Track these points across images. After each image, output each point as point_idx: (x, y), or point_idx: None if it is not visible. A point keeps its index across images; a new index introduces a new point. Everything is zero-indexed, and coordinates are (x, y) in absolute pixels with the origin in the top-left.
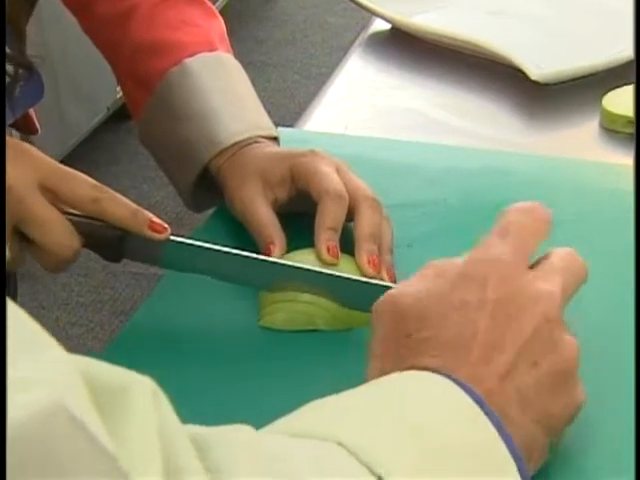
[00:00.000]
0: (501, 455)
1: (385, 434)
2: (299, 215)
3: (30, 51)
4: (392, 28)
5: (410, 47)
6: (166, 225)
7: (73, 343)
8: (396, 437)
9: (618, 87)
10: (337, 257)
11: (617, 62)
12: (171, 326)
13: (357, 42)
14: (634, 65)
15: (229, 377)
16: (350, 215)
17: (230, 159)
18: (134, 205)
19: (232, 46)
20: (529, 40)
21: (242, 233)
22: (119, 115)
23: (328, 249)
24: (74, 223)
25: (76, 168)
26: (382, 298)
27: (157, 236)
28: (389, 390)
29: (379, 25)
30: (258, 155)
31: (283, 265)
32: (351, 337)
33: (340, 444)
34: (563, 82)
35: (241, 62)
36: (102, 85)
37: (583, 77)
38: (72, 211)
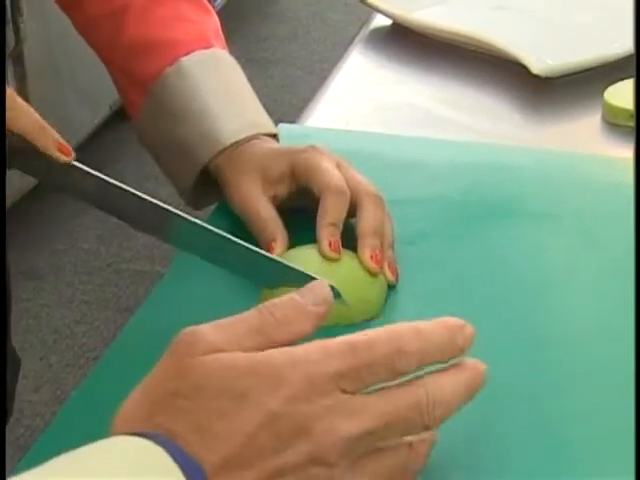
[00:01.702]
0: None
1: None
2: (300, 211)
3: (35, 47)
4: (393, 24)
5: (411, 42)
6: (71, 148)
7: (78, 341)
8: None
9: (620, 80)
10: (339, 252)
11: (619, 55)
12: (173, 324)
13: (358, 38)
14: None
15: None
16: (352, 211)
17: (229, 157)
18: (43, 121)
19: (234, 43)
20: (531, 34)
21: (243, 230)
22: (122, 114)
23: (330, 244)
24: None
25: None
26: (182, 337)
27: (63, 157)
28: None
29: (380, 21)
30: (257, 152)
31: (278, 263)
32: (350, 333)
33: None
34: (565, 76)
35: (243, 59)
36: (104, 84)
37: (585, 71)
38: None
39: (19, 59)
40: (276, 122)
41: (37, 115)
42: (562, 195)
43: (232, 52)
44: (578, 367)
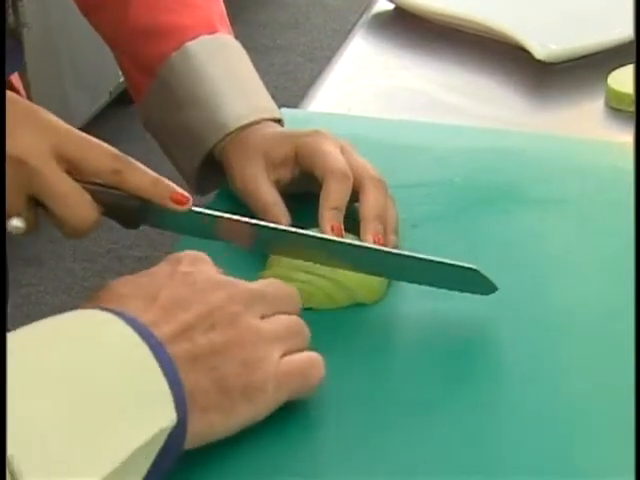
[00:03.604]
0: (161, 399)
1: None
2: (303, 195)
3: (34, 32)
4: (395, 8)
5: (413, 27)
6: (187, 195)
7: None
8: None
9: (624, 66)
10: (341, 236)
11: (622, 40)
12: None
13: (360, 23)
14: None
15: None
16: (355, 195)
17: (234, 141)
18: (155, 174)
19: (235, 30)
20: (534, 19)
21: (245, 214)
22: (122, 100)
23: (332, 228)
24: (92, 192)
25: None
26: None
27: (179, 207)
28: (53, 328)
29: (382, 5)
30: (261, 136)
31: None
32: (346, 316)
33: None
34: (568, 61)
35: (244, 46)
36: (104, 70)
37: (588, 56)
38: (89, 179)
39: (19, 44)
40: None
41: (147, 169)
42: (565, 180)
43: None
44: (579, 354)
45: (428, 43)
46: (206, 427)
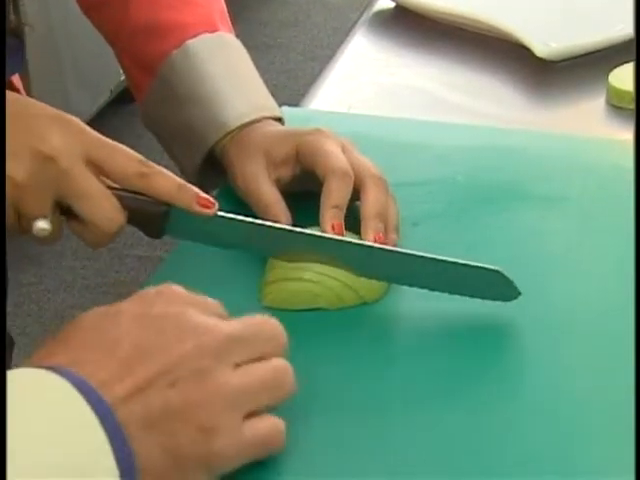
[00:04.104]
0: (104, 460)
1: None
2: (304, 194)
3: (35, 30)
4: (396, 6)
5: (414, 25)
6: (213, 200)
7: None
8: None
9: (625, 63)
10: (342, 235)
11: (623, 38)
12: None
13: (361, 20)
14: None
15: None
16: (356, 194)
17: (234, 139)
18: (179, 179)
19: (236, 28)
20: (535, 17)
21: (246, 213)
22: (122, 98)
23: (333, 227)
24: (118, 197)
25: None
26: None
27: (206, 211)
28: None
29: (383, 3)
30: (262, 134)
31: (309, 234)
32: (354, 316)
33: None
34: (569, 59)
35: (245, 44)
36: (105, 68)
37: (589, 53)
38: (115, 185)
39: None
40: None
41: (173, 175)
42: (566, 178)
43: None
44: (581, 352)
45: (429, 41)
46: None
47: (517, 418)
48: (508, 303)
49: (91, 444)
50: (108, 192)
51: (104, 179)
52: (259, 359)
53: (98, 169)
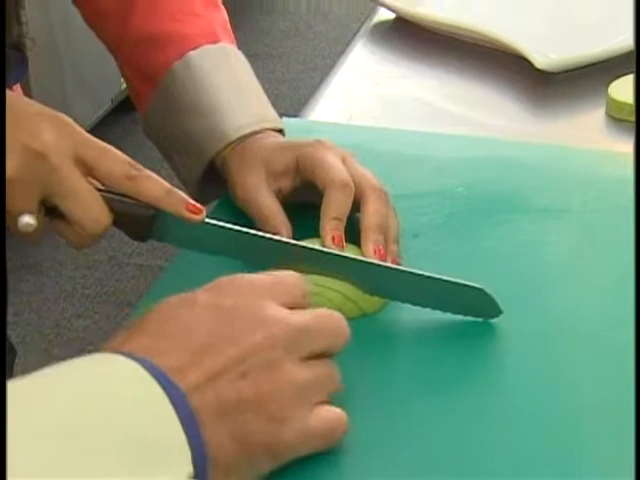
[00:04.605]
0: (177, 446)
1: (27, 436)
2: (304, 205)
3: (37, 41)
4: (396, 17)
5: (414, 36)
6: (201, 206)
7: (79, 334)
8: (39, 439)
9: (624, 75)
10: (342, 247)
11: (623, 50)
12: None
13: (361, 32)
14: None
15: None
16: (356, 205)
17: (235, 150)
18: (168, 184)
19: (236, 37)
20: (535, 28)
21: (246, 224)
22: (123, 107)
23: (333, 239)
24: (105, 199)
25: None
26: None
27: (194, 217)
28: (68, 375)
29: (383, 15)
30: (263, 145)
31: (307, 248)
32: (354, 327)
33: None
34: (569, 70)
35: (245, 53)
36: (107, 77)
37: (589, 65)
38: (102, 187)
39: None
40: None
41: (161, 180)
42: (566, 190)
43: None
44: (581, 363)
45: (429, 52)
46: None
47: (517, 423)
48: (509, 315)
49: (165, 427)
50: (96, 193)
51: (92, 180)
52: (323, 353)
53: (87, 169)
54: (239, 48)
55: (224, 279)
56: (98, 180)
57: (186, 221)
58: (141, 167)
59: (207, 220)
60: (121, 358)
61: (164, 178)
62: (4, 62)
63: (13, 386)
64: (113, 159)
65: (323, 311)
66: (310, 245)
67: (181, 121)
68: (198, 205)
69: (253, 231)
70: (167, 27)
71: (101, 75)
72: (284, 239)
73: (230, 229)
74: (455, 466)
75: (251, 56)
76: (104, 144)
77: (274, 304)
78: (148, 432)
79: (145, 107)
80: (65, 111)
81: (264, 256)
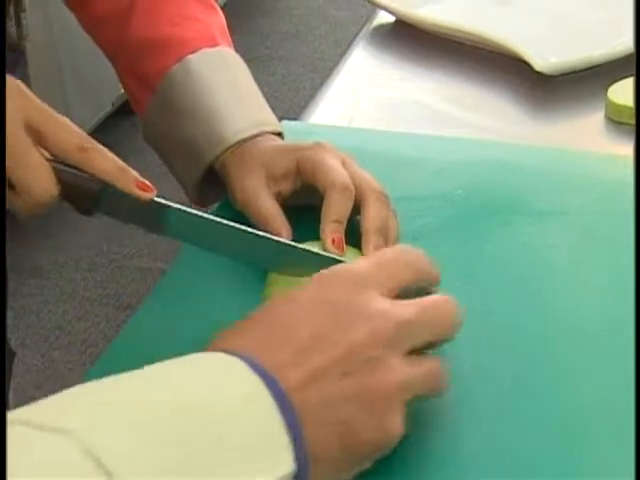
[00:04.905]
0: (279, 447)
1: (133, 425)
2: (305, 208)
3: (37, 44)
4: (396, 20)
5: (414, 39)
6: (151, 185)
7: (79, 337)
8: (145, 428)
9: (624, 78)
10: (342, 249)
11: (622, 53)
12: (174, 321)
13: (361, 34)
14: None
15: None
16: (357, 208)
17: (234, 154)
18: (120, 161)
19: (236, 40)
20: (534, 31)
21: (247, 226)
22: (124, 110)
23: (333, 241)
24: (55, 169)
25: None
26: None
27: (144, 195)
28: (170, 372)
29: (383, 17)
30: (262, 149)
31: (293, 247)
32: None
33: (74, 438)
34: (568, 73)
35: (245, 56)
36: (107, 81)
37: (588, 68)
38: (52, 158)
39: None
40: (278, 120)
41: (114, 156)
42: (565, 193)
43: (234, 49)
44: (581, 366)
45: (429, 55)
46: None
47: (517, 424)
48: (508, 318)
49: (268, 428)
50: (44, 161)
51: (42, 150)
52: (429, 344)
53: (38, 138)
54: (239, 51)
55: (325, 272)
56: (48, 150)
57: (135, 197)
58: (93, 141)
59: (157, 199)
60: (225, 356)
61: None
62: (4, 62)
63: (115, 380)
64: (66, 130)
65: (431, 301)
66: (309, 247)
67: (180, 125)
68: (148, 183)
69: (191, 210)
70: (165, 32)
71: (101, 78)
72: (254, 231)
73: (178, 209)
74: (455, 466)
75: (251, 58)
76: (58, 115)
77: (377, 294)
78: (251, 430)
79: (144, 112)
80: (65, 114)
81: (240, 249)
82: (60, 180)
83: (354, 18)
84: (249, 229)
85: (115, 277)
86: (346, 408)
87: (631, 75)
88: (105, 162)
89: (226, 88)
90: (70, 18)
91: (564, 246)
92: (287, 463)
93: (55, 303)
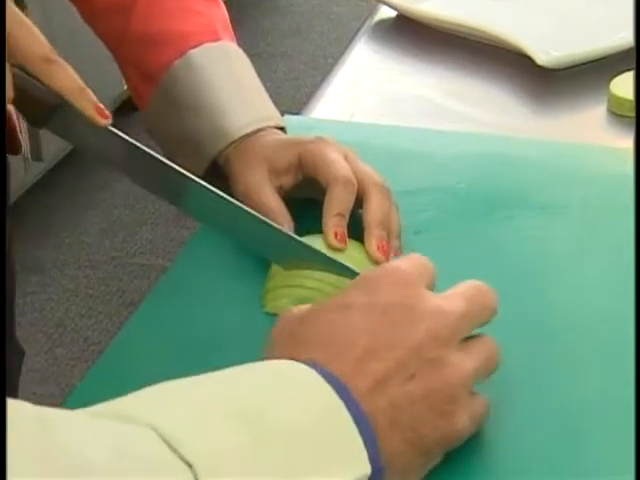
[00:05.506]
0: (354, 449)
1: (212, 421)
2: (307, 201)
3: None
4: (398, 15)
5: (416, 34)
6: (109, 114)
7: (82, 334)
8: (224, 425)
9: (626, 71)
10: (345, 243)
11: (624, 46)
12: (176, 318)
13: (363, 30)
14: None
15: (233, 363)
16: (359, 201)
17: (237, 149)
18: (82, 82)
19: (238, 36)
20: (536, 25)
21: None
22: (125, 108)
23: (336, 235)
24: (14, 75)
25: (83, 163)
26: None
27: (100, 120)
28: (243, 376)
29: (385, 12)
30: (265, 143)
31: (293, 240)
32: None
33: (155, 430)
34: (570, 67)
35: (247, 53)
36: (108, 78)
37: (590, 62)
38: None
39: None
40: (280, 115)
41: (76, 75)
42: (567, 186)
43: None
44: (583, 359)
45: (431, 50)
46: None
47: (517, 421)
48: (511, 311)
49: (343, 437)
50: (7, 63)
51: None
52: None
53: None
54: (240, 47)
55: (367, 274)
56: (13, 55)
57: (90, 120)
58: (61, 60)
59: (112, 129)
60: (297, 364)
61: None
62: (4, 62)
63: (189, 381)
64: (34, 38)
65: (473, 287)
66: (312, 242)
67: (183, 120)
68: (107, 111)
69: (143, 148)
70: (167, 25)
71: (103, 76)
72: (272, 223)
73: (126, 140)
74: (454, 465)
75: (253, 55)
76: (30, 22)
77: (425, 290)
78: (325, 437)
79: (146, 106)
80: None
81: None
82: (17, 86)
83: (355, 14)
84: (258, 214)
85: (118, 274)
86: (414, 412)
87: (633, 68)
88: (67, 79)
89: (229, 83)
90: (70, 13)
91: (566, 239)
92: (364, 465)
93: (58, 300)
